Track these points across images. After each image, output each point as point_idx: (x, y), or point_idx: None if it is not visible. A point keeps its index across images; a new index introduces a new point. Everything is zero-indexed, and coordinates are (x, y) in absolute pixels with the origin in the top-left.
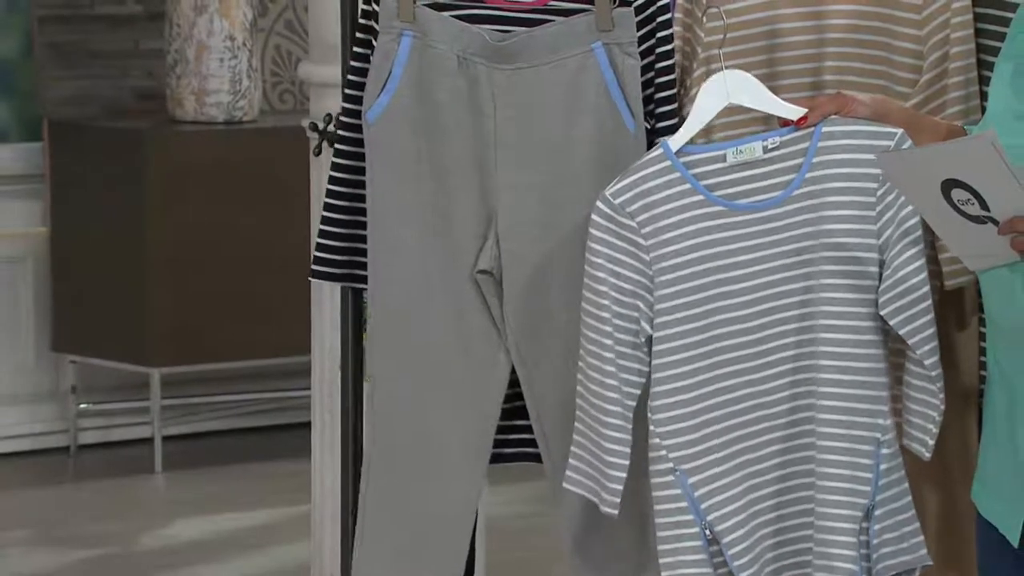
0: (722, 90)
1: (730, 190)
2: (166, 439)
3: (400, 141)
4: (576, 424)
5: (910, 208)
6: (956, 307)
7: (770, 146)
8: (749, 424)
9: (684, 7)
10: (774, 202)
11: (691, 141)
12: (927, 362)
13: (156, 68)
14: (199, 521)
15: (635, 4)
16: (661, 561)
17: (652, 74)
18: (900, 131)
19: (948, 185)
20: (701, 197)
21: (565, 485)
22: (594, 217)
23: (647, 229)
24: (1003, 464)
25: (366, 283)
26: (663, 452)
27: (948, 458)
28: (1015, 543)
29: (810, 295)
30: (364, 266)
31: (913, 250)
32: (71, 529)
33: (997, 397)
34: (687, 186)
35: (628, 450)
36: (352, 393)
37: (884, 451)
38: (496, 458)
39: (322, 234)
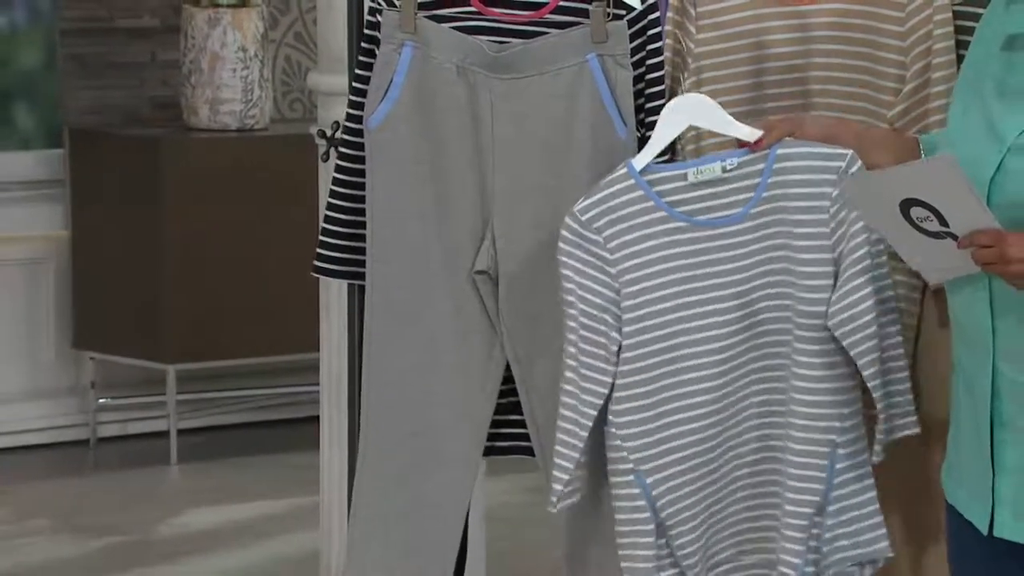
0: (682, 112)
1: (692, 207)
2: (181, 432)
3: (400, 146)
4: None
5: (859, 226)
6: (940, 304)
7: (728, 167)
8: (708, 429)
9: (674, 19)
10: (734, 219)
11: (682, 158)
12: (865, 373)
13: (172, 78)
14: (213, 511)
15: (628, 18)
16: (620, 553)
17: (643, 84)
18: (850, 152)
19: (907, 204)
20: (664, 213)
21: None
22: (563, 232)
23: (613, 244)
24: (970, 457)
25: (365, 280)
26: (624, 454)
27: (922, 453)
28: (984, 531)
29: (770, 313)
30: (364, 264)
31: (860, 266)
32: (90, 518)
33: (960, 393)
34: (650, 203)
35: (575, 455)
36: (358, 388)
37: (840, 452)
38: (490, 451)
39: (325, 232)
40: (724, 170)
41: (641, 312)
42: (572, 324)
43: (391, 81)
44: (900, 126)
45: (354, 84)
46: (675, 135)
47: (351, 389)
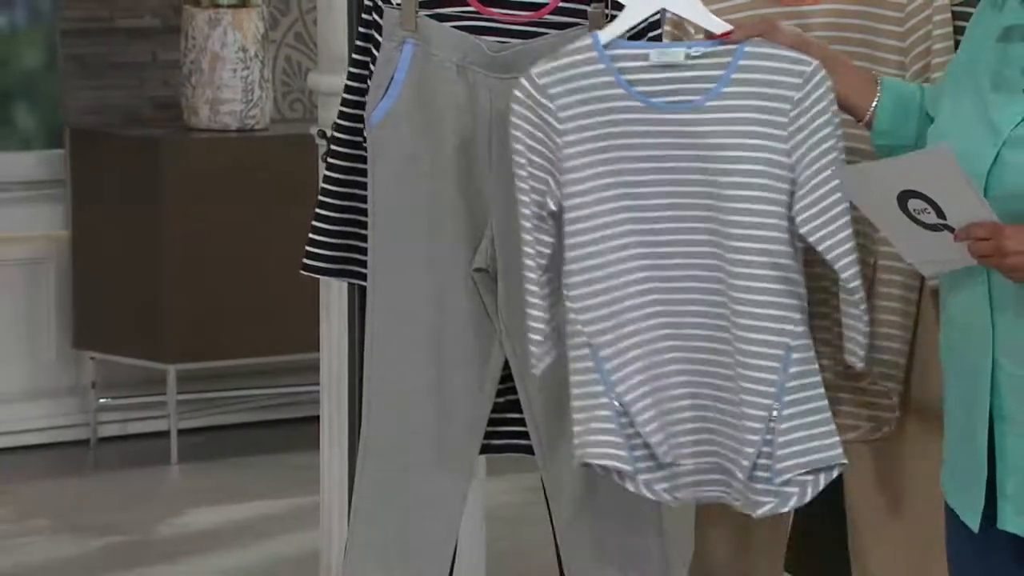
0: None
1: (650, 88)
2: (181, 432)
3: (401, 143)
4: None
5: (825, 132)
6: (936, 306)
7: (693, 54)
8: (661, 311)
9: (674, 20)
10: (689, 106)
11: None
12: (844, 275)
13: (172, 78)
14: (213, 511)
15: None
16: (574, 429)
17: None
18: (816, 62)
19: (905, 196)
20: (621, 91)
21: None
22: (516, 93)
23: (564, 113)
24: (963, 455)
25: (356, 278)
26: (578, 327)
27: (921, 453)
28: (975, 528)
29: (719, 202)
30: (354, 261)
31: (828, 171)
32: (91, 518)
33: (953, 392)
34: (610, 78)
35: (545, 314)
36: (358, 388)
37: (794, 356)
38: (486, 448)
39: (314, 230)
40: (688, 56)
41: (589, 184)
42: (522, 185)
43: (392, 78)
44: None
45: (347, 82)
46: (646, 15)
47: (351, 389)
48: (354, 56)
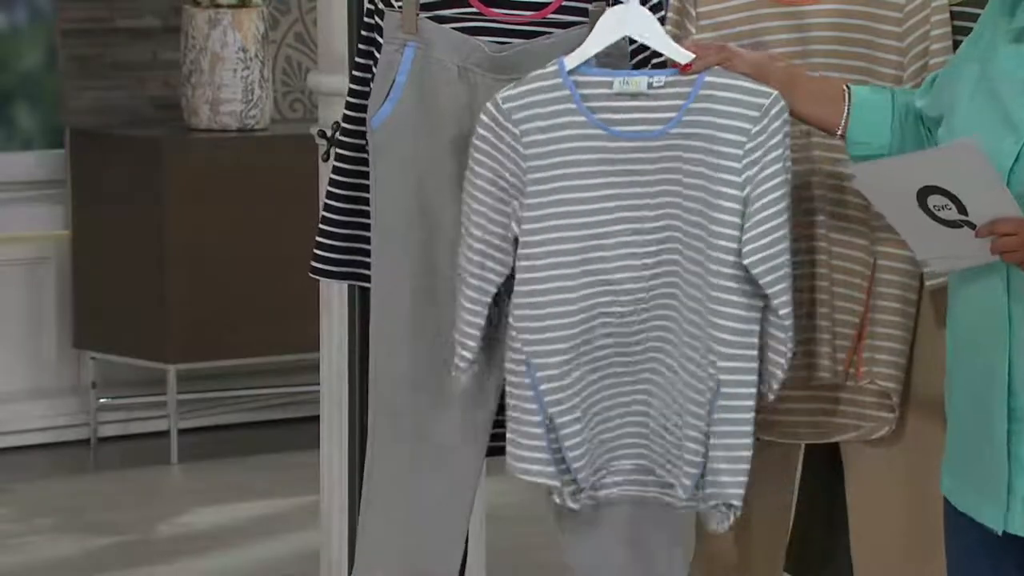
0: (620, 21)
1: (611, 116)
2: (182, 432)
3: (403, 146)
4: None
5: (776, 168)
6: (936, 306)
7: (655, 83)
8: (608, 334)
9: (674, 19)
10: (650, 135)
11: None
12: (781, 312)
13: (172, 78)
14: (213, 510)
15: (631, 48)
16: (508, 440)
17: None
18: (774, 94)
19: (925, 192)
20: (583, 118)
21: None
22: (482, 117)
23: (528, 139)
24: (977, 457)
25: (363, 280)
26: (518, 345)
27: (920, 453)
28: (1000, 531)
29: (671, 232)
30: (361, 264)
31: (774, 208)
32: (91, 518)
33: (962, 393)
34: (572, 105)
35: (478, 333)
36: (359, 388)
37: (723, 390)
38: (493, 451)
39: (321, 233)
40: (650, 85)
41: (546, 211)
42: (479, 208)
43: (393, 81)
44: None
45: (351, 85)
46: (611, 42)
47: (351, 389)
48: (357, 59)
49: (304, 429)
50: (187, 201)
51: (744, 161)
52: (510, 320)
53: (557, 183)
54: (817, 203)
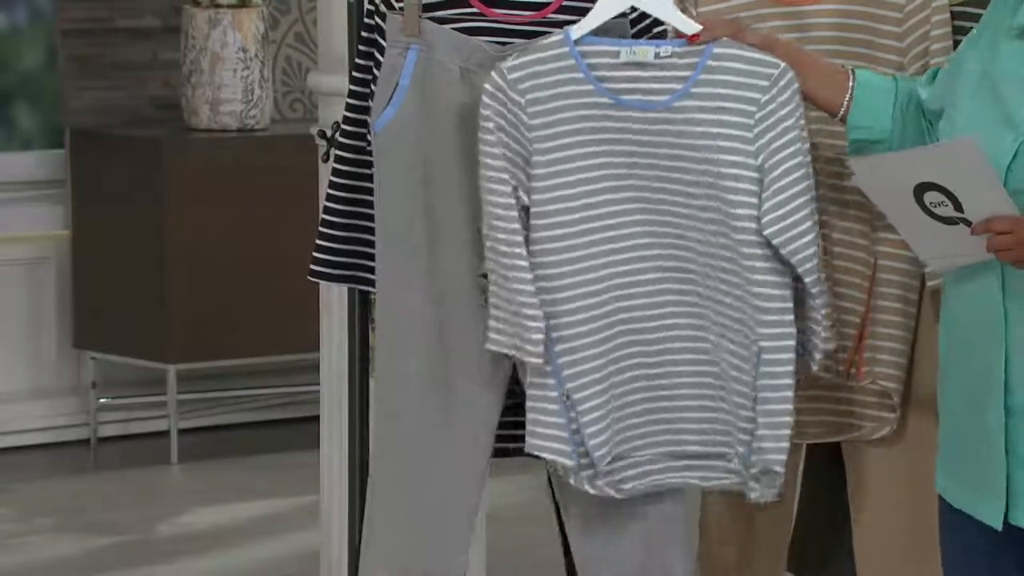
0: None
1: (619, 85)
2: (182, 432)
3: (406, 149)
4: (492, 289)
5: (791, 136)
6: (936, 306)
7: (662, 54)
8: (620, 308)
9: None
10: (658, 105)
11: None
12: (807, 279)
13: (172, 78)
14: (213, 510)
15: (630, 17)
16: (527, 420)
17: None
18: (783, 64)
19: (922, 188)
20: (590, 87)
21: (488, 347)
22: (487, 87)
23: (533, 109)
24: (974, 453)
25: (363, 284)
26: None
27: (921, 453)
28: (998, 527)
29: (686, 199)
30: (361, 268)
31: (793, 175)
32: (91, 518)
33: (957, 390)
34: (579, 75)
35: (536, 301)
36: (359, 388)
37: (764, 356)
38: (499, 452)
39: (321, 236)
40: (657, 56)
41: (555, 181)
42: (504, 176)
43: (397, 85)
44: None
45: (351, 87)
46: (618, 11)
47: (351, 389)
48: (357, 60)
49: (304, 429)
50: (187, 201)
51: (756, 130)
52: None
53: (563, 152)
54: (818, 203)
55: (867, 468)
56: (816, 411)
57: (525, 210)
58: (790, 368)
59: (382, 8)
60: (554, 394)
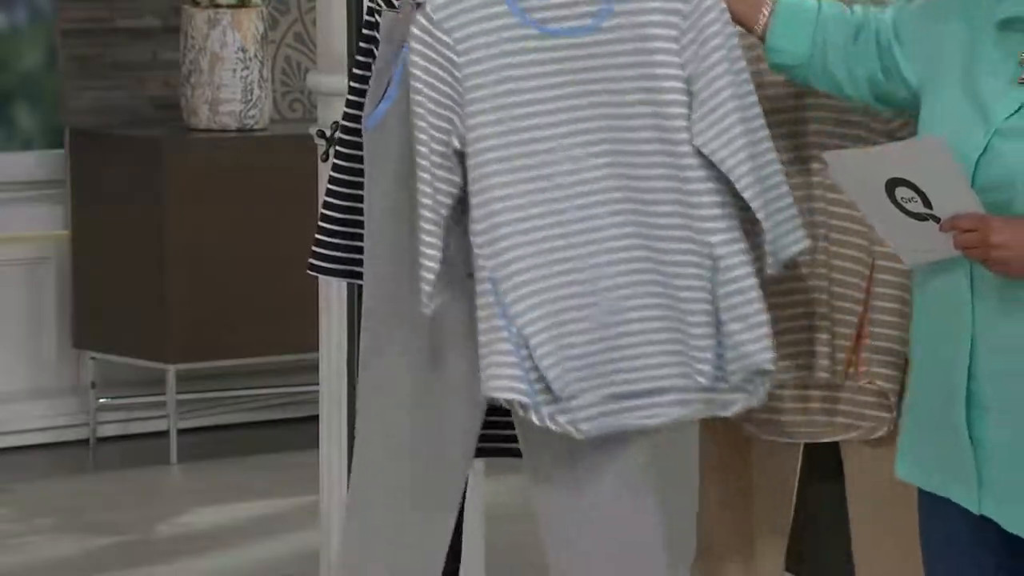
0: None
1: (544, 14)
2: (181, 432)
3: (397, 146)
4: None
5: (715, 43)
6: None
7: None
8: (561, 244)
9: None
10: (585, 31)
11: None
12: (743, 191)
13: (172, 78)
14: (213, 510)
15: None
16: (480, 363)
17: None
18: None
19: (893, 184)
20: (516, 20)
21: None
22: (413, 30)
23: (462, 46)
24: (944, 443)
25: (360, 278)
26: (480, 262)
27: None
28: (976, 510)
29: (622, 121)
30: (359, 262)
31: (719, 84)
32: (91, 517)
33: (925, 381)
34: (503, 7)
35: (438, 253)
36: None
37: (722, 263)
38: (481, 452)
39: (320, 231)
40: None
41: (488, 118)
42: (421, 124)
43: (389, 82)
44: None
45: (351, 84)
46: None
47: (351, 389)
48: (358, 58)
49: (304, 429)
50: (187, 201)
51: (682, 42)
52: (472, 238)
53: (497, 87)
54: (815, 203)
55: (865, 468)
56: (814, 411)
57: (457, 154)
58: (750, 269)
59: (382, 5)
60: (505, 334)
